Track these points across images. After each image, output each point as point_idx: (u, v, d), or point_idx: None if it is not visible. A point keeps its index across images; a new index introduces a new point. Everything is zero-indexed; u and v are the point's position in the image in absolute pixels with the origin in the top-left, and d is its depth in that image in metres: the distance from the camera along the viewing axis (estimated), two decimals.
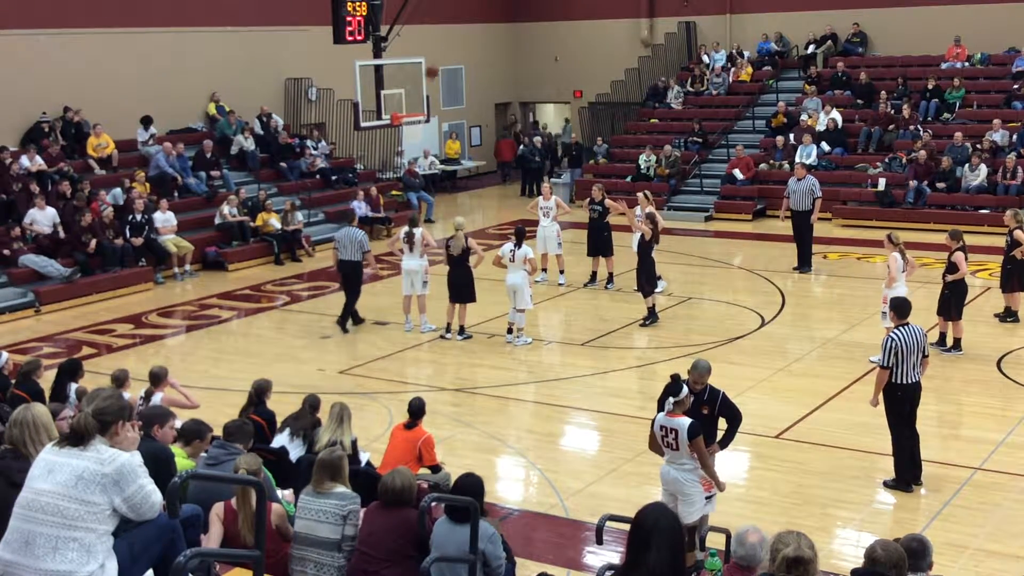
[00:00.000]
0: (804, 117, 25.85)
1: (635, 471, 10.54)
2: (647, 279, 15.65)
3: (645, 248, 15.59)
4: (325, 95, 26.24)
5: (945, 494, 9.85)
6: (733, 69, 28.71)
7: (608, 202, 17.95)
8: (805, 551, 4.70)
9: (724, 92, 28.38)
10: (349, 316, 16.15)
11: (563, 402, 12.89)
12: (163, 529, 5.12)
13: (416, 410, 9.48)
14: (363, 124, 21.05)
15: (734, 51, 29.24)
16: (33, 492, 4.85)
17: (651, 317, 15.78)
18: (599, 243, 18.12)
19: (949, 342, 14.03)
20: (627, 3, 30.90)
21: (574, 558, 9.05)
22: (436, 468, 9.47)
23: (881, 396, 9.95)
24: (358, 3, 20.49)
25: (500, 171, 31.73)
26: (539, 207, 18.52)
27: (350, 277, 16.16)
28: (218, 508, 6.45)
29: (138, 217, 19.75)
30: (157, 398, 9.93)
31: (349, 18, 20.48)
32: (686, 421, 8.09)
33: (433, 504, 6.50)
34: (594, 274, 18.32)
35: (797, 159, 23.82)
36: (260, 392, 9.68)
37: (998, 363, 13.60)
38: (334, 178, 24.88)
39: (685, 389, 8.20)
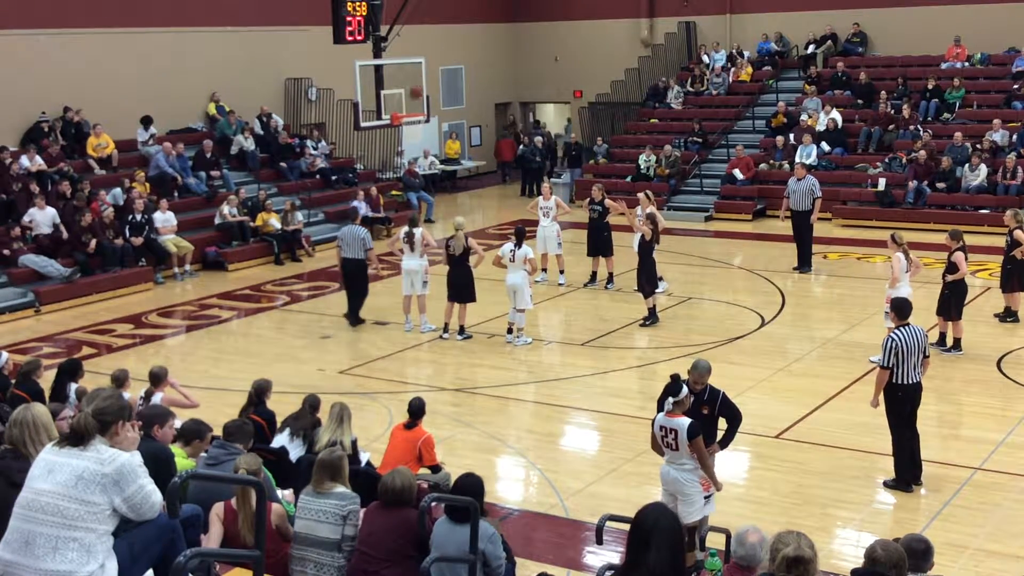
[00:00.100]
0: (804, 117, 25.85)
1: (635, 471, 10.54)
2: (647, 279, 15.65)
3: (646, 248, 15.59)
4: (325, 95, 26.24)
5: (945, 494, 9.85)
6: (733, 69, 28.71)
7: (608, 202, 17.95)
8: (805, 551, 4.70)
9: (724, 92, 28.38)
10: (358, 312, 16.20)
11: (563, 402, 12.89)
12: (163, 529, 5.12)
13: (416, 410, 9.48)
14: (363, 124, 21.08)
15: (734, 51, 29.25)
16: (33, 492, 4.85)
17: (651, 318, 15.78)
18: (599, 243, 18.13)
19: (949, 342, 14.03)
20: (627, 3, 30.90)
21: (574, 558, 9.05)
22: (436, 468, 9.47)
23: (881, 396, 9.96)
24: (358, 3, 20.50)
25: (500, 171, 31.73)
26: (539, 207, 18.52)
27: (354, 275, 16.19)
28: (218, 508, 6.45)
29: (138, 217, 19.75)
30: (157, 398, 9.93)
31: (349, 18, 20.49)
32: (685, 421, 8.09)
33: (433, 504, 6.50)
34: (594, 274, 18.32)
35: (797, 159, 23.82)
36: (260, 392, 9.68)
37: (998, 363, 13.60)
38: (334, 178, 24.88)
39: (685, 389, 8.20)
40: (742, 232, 23.19)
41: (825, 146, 24.87)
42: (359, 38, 20.79)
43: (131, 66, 22.90)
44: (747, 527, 5.88)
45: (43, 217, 18.88)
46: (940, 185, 22.69)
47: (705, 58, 29.36)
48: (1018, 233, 14.62)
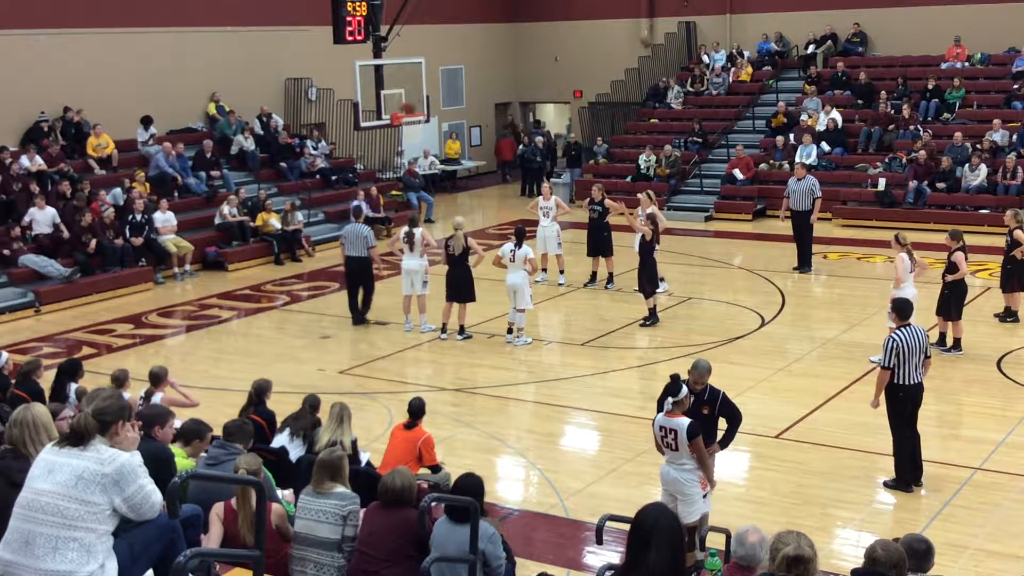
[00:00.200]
0: (804, 117, 25.85)
1: (635, 471, 10.54)
2: (648, 279, 15.65)
3: (646, 249, 15.59)
4: (325, 95, 26.24)
5: (945, 494, 9.85)
6: (733, 69, 28.71)
7: (608, 202, 17.95)
8: (805, 550, 4.70)
9: (724, 92, 28.38)
10: (368, 309, 16.25)
11: (563, 402, 12.89)
12: (163, 529, 5.12)
13: (416, 410, 9.48)
14: (363, 124, 21.08)
15: (734, 51, 29.24)
16: (33, 492, 4.85)
17: (651, 318, 15.78)
18: (599, 243, 18.13)
19: (949, 342, 14.03)
20: (627, 3, 30.90)
21: (574, 558, 9.05)
22: (436, 468, 9.47)
23: (882, 397, 9.95)
24: (358, 3, 20.51)
25: (500, 170, 31.73)
26: (539, 207, 18.52)
27: (358, 273, 16.21)
28: (218, 508, 6.45)
29: (138, 217, 19.75)
30: (157, 398, 9.93)
31: (349, 18, 20.50)
32: (685, 421, 8.09)
33: (433, 504, 6.50)
34: (594, 274, 18.32)
35: (797, 159, 23.82)
36: (260, 392, 9.68)
37: (998, 363, 13.60)
38: (334, 178, 24.88)
39: (684, 389, 8.20)
40: (742, 232, 23.19)
41: (825, 146, 24.87)
42: (359, 38, 20.79)
43: (131, 66, 22.90)
44: (747, 527, 5.88)
45: (43, 217, 18.88)
46: (940, 185, 22.68)
47: (705, 58, 29.36)
48: (1018, 233, 14.62)
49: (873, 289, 17.23)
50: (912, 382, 9.79)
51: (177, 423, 7.57)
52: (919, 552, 5.71)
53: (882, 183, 23.15)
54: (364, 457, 9.20)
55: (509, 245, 15.03)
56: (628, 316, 16.25)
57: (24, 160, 20.09)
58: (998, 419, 11.78)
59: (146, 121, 22.74)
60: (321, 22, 22.25)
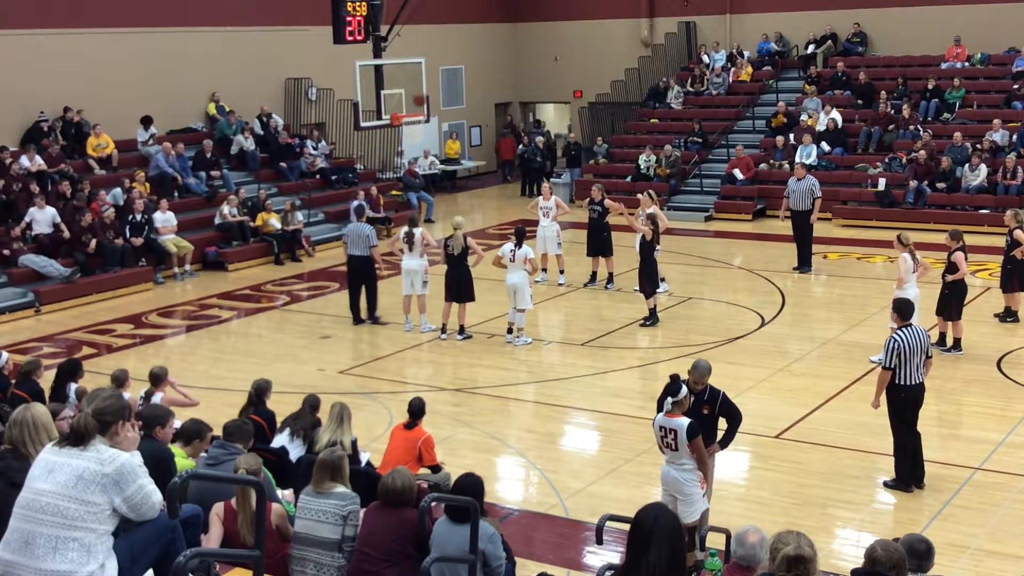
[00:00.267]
0: (804, 117, 25.85)
1: (635, 471, 10.54)
2: (648, 280, 15.65)
3: (647, 249, 15.59)
4: (325, 95, 26.24)
5: (945, 494, 9.85)
6: (733, 69, 28.71)
7: (608, 202, 17.95)
8: (805, 550, 4.70)
9: (724, 92, 28.37)
10: (375, 308, 16.25)
11: (563, 402, 12.89)
12: (163, 529, 5.11)
13: (416, 410, 9.48)
14: (363, 124, 21.07)
15: (734, 51, 29.24)
16: (33, 492, 4.85)
17: (652, 318, 15.78)
18: (599, 243, 18.12)
19: (949, 342, 14.03)
20: (627, 3, 30.90)
21: (574, 558, 9.04)
22: (436, 468, 9.47)
23: (883, 397, 9.95)
24: (358, 3, 20.50)
25: (501, 170, 31.73)
26: (539, 207, 18.52)
27: (360, 272, 16.22)
28: (218, 508, 6.45)
29: (138, 217, 19.75)
30: (157, 398, 9.93)
31: (349, 18, 20.49)
32: (685, 421, 8.09)
33: (433, 504, 6.50)
34: (594, 274, 18.32)
35: (797, 159, 23.82)
36: (260, 392, 9.68)
37: (998, 363, 13.60)
38: (334, 178, 24.88)
39: (684, 389, 8.20)
40: (742, 232, 23.18)
41: (825, 146, 24.87)
42: (359, 38, 20.78)
43: (131, 66, 22.89)
44: (747, 527, 5.88)
45: (43, 217, 18.87)
46: (940, 185, 22.68)
47: (705, 58, 29.36)
48: (1018, 233, 14.62)
49: (873, 289, 17.24)
50: (913, 382, 9.79)
51: (177, 423, 7.57)
52: (919, 552, 5.71)
53: (882, 183, 23.15)
54: (364, 457, 9.20)
55: (509, 245, 15.03)
56: (628, 316, 16.25)
57: (24, 160, 20.08)
58: (998, 419, 11.78)
59: (146, 121, 22.74)
60: (321, 22, 22.23)
